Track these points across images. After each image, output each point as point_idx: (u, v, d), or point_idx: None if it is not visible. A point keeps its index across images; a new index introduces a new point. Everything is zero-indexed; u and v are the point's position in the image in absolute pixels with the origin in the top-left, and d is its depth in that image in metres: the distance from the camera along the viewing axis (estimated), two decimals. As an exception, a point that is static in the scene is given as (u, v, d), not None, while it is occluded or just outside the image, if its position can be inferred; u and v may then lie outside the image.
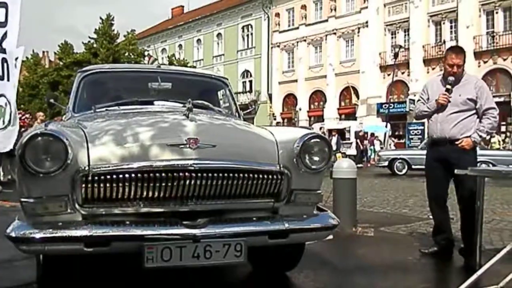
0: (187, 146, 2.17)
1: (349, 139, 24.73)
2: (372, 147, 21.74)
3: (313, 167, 2.41)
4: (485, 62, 24.52)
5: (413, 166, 14.31)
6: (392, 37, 28.14)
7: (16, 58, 10.94)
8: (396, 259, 3.53)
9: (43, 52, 42.75)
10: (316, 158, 2.43)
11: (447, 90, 3.47)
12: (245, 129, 2.75)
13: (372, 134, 22.62)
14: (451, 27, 25.96)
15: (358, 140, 20.89)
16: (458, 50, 3.60)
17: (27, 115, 11.64)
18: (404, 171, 14.35)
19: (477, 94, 3.46)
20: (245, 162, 2.29)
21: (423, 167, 14.57)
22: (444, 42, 25.94)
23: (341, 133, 23.52)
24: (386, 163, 14.67)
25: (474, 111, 3.48)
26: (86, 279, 2.96)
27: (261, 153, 2.39)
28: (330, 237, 4.30)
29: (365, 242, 4.21)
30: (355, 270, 3.22)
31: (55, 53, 32.44)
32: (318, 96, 31.97)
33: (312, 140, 2.43)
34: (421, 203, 7.12)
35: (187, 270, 3.20)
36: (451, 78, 3.47)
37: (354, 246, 4.14)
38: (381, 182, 11.82)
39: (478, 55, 24.54)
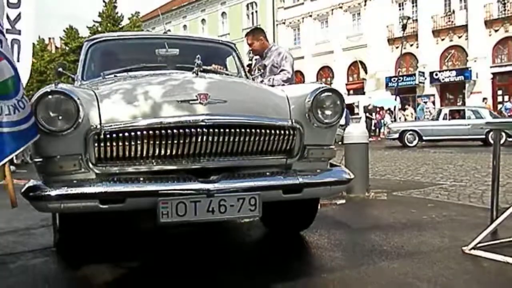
0: (198, 101, 2.15)
1: (358, 114, 24.53)
2: (382, 120, 21.61)
3: (325, 121, 2.38)
4: (496, 31, 23.98)
5: (424, 138, 14.23)
6: (399, 9, 27.56)
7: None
8: (410, 218, 3.52)
9: (49, 38, 42.74)
10: (328, 112, 2.39)
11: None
12: (255, 86, 2.73)
13: (382, 108, 22.43)
14: (460, -4, 25.34)
15: (368, 114, 20.71)
16: (249, 32, 4.24)
17: None
18: (414, 142, 14.26)
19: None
20: (257, 118, 2.27)
21: (435, 138, 14.71)
22: (453, 11, 25.37)
23: (350, 108, 23.31)
24: (396, 136, 14.57)
25: None
26: (102, 244, 3.00)
27: (272, 109, 2.36)
28: (343, 201, 4.35)
29: (379, 205, 4.20)
30: (370, 229, 3.21)
31: (60, 38, 32.43)
32: (325, 72, 31.66)
33: (324, 94, 2.39)
34: (433, 171, 7.09)
35: (202, 231, 3.24)
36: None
37: (368, 208, 4.14)
38: (392, 153, 11.77)
39: (489, 23, 23.99)
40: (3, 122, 1.91)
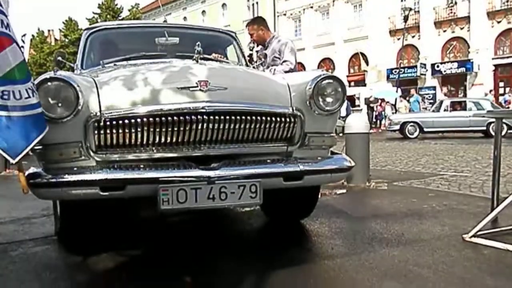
0: (198, 88, 2.13)
1: (359, 106, 24.54)
2: (383, 112, 21.59)
3: (326, 108, 2.37)
4: (498, 22, 23.82)
5: (425, 129, 14.21)
6: (401, 0, 27.37)
7: (24, 35, 10.75)
8: (410, 208, 3.52)
9: (48, 30, 42.57)
10: (329, 100, 2.38)
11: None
12: (256, 73, 2.71)
13: (383, 100, 22.39)
14: (462, -13, 25.12)
15: (369, 105, 20.68)
16: (250, 22, 4.25)
17: None
18: (415, 134, 14.25)
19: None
20: (258, 105, 2.25)
21: (436, 129, 14.69)
22: (456, 3, 25.20)
23: (351, 99, 23.30)
24: (397, 127, 14.55)
25: None
26: (103, 232, 3.01)
27: (273, 96, 2.35)
28: (343, 190, 4.35)
29: (379, 194, 4.20)
30: (370, 217, 3.21)
31: (60, 30, 32.32)
32: (326, 64, 31.47)
33: (325, 81, 2.37)
34: (434, 161, 7.09)
35: (203, 219, 3.25)
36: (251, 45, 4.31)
37: (368, 198, 4.14)
38: (393, 144, 11.76)
39: (491, 15, 23.82)
40: (22, 106, 1.83)
